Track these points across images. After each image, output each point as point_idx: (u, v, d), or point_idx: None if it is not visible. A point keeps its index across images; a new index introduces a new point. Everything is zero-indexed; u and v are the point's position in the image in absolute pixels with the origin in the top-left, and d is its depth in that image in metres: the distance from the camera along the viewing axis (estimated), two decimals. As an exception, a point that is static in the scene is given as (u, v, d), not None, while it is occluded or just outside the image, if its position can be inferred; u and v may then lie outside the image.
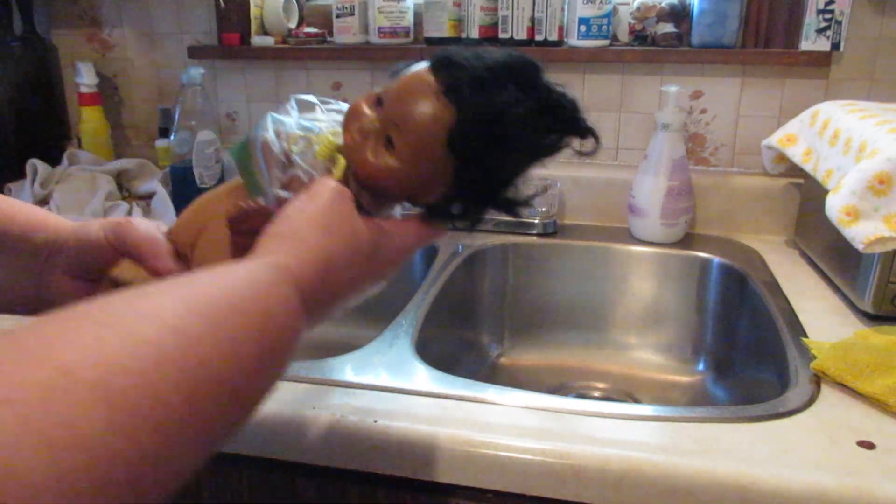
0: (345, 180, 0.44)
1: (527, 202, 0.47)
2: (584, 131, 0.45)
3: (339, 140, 0.45)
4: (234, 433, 0.31)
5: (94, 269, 0.46)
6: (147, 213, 1.09)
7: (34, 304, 0.47)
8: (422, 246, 0.48)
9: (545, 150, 0.45)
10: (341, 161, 0.44)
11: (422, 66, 0.44)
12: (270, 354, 0.33)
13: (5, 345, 0.24)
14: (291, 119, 0.46)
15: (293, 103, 0.48)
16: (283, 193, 0.43)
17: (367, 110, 0.44)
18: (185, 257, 0.46)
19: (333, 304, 0.41)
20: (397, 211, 0.49)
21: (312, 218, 0.40)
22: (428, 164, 0.43)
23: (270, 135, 0.45)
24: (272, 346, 0.33)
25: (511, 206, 0.47)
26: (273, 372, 0.34)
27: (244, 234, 0.42)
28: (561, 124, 0.44)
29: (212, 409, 0.28)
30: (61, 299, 0.46)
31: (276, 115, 0.46)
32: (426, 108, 0.42)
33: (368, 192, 0.45)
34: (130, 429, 0.24)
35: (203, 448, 0.28)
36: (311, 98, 0.49)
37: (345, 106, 0.48)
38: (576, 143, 0.46)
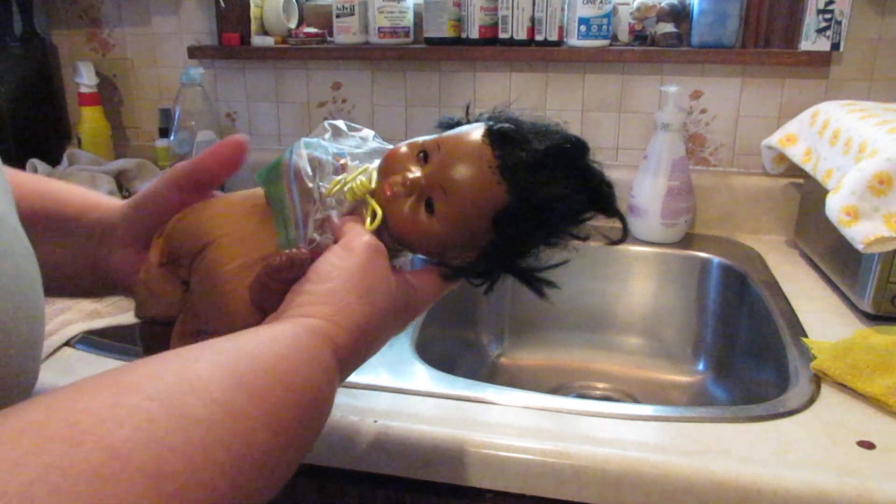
0: (376, 228, 0.43)
1: (549, 282, 0.48)
2: (616, 214, 0.46)
3: (372, 182, 0.43)
4: (275, 493, 0.31)
5: (152, 228, 0.45)
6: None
7: (89, 283, 0.47)
8: (441, 297, 0.47)
9: (576, 231, 0.47)
10: (379, 212, 0.43)
11: (477, 130, 0.43)
12: (310, 421, 0.33)
13: (52, 418, 0.23)
14: (325, 146, 0.45)
15: (327, 127, 0.46)
16: (317, 236, 0.41)
17: (410, 163, 0.43)
18: (179, 262, 0.43)
19: (363, 361, 0.41)
20: (408, 256, 0.48)
21: (351, 279, 0.39)
22: (466, 235, 0.43)
23: (305, 164, 0.42)
24: (312, 414, 0.34)
25: (532, 279, 0.48)
26: (312, 436, 0.34)
27: (276, 281, 0.40)
28: (597, 208, 0.45)
29: (255, 481, 0.28)
30: (116, 276, 0.46)
31: (309, 139, 0.44)
32: (479, 181, 0.41)
33: (394, 241, 0.44)
34: None
35: None
36: (340, 124, 0.47)
37: (369, 133, 0.46)
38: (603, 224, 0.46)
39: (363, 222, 0.43)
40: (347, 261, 0.39)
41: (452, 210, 0.42)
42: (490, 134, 0.43)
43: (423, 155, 0.43)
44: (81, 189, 0.49)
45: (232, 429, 0.27)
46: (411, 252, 0.46)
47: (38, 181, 0.49)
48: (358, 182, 0.43)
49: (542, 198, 0.42)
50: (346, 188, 0.43)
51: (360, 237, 0.41)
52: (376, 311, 0.39)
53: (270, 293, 0.40)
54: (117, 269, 0.45)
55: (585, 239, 0.47)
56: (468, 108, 0.49)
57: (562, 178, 0.43)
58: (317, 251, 0.40)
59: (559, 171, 0.43)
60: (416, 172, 0.43)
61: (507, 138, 0.42)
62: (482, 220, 0.42)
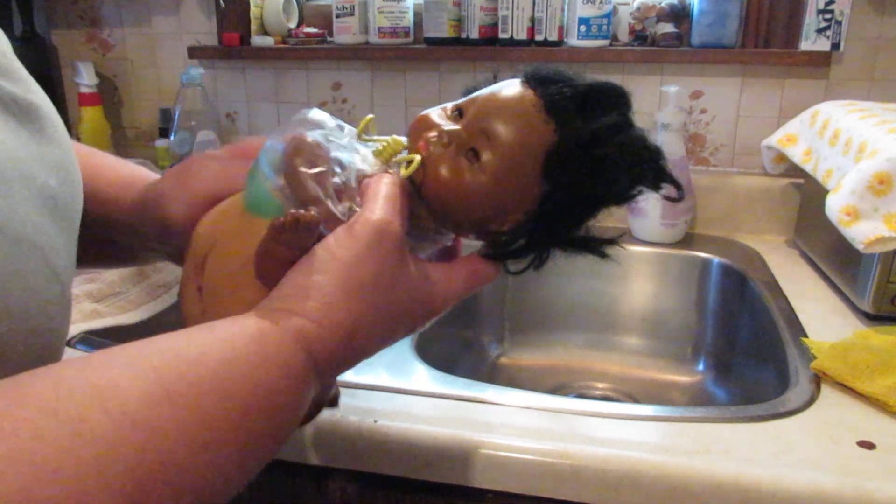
0: (405, 196, 0.38)
1: (608, 240, 0.42)
2: (667, 176, 0.41)
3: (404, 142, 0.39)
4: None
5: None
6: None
7: (129, 257, 0.46)
8: (467, 294, 0.41)
9: (630, 187, 0.40)
10: (417, 158, 0.38)
11: (513, 81, 0.40)
12: (261, 432, 0.30)
13: None
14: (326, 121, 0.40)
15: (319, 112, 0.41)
16: (330, 204, 0.36)
17: (443, 119, 0.39)
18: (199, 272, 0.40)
19: (354, 363, 0.37)
20: (445, 237, 0.43)
21: (344, 269, 0.34)
22: (516, 185, 0.38)
23: (316, 134, 0.38)
24: (264, 424, 0.30)
25: (590, 242, 0.42)
26: (268, 445, 0.31)
27: (281, 247, 0.35)
28: (651, 160, 0.40)
29: (170, 501, 0.25)
30: (155, 250, 0.45)
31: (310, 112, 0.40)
32: (525, 122, 0.38)
33: (429, 214, 0.39)
34: None
35: None
36: (323, 115, 0.41)
37: (353, 129, 0.42)
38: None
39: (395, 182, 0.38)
40: (345, 248, 0.35)
41: (501, 156, 0.37)
42: (528, 77, 0.39)
43: (457, 112, 0.40)
44: (121, 165, 0.48)
45: (141, 446, 0.24)
46: (447, 224, 0.41)
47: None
48: (388, 140, 0.39)
49: (594, 132, 0.37)
50: (372, 150, 0.39)
51: (370, 216, 0.36)
52: (370, 309, 0.35)
53: (275, 265, 0.36)
54: (158, 242, 0.44)
55: (658, 189, 0.40)
56: (496, 74, 0.43)
57: (612, 110, 0.38)
58: (332, 220, 0.36)
59: (607, 104, 0.38)
60: (453, 125, 0.39)
61: (547, 79, 0.39)
62: (532, 165, 0.38)
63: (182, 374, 0.27)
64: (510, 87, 0.40)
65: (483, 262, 0.42)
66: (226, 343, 0.30)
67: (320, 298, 0.34)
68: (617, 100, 0.39)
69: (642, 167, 0.39)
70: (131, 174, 0.48)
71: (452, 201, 0.39)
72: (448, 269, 0.41)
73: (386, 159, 0.40)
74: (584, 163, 0.38)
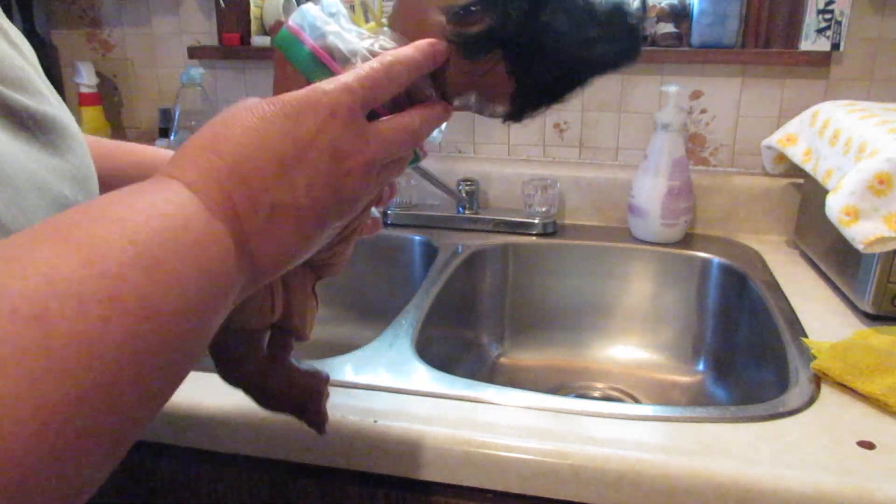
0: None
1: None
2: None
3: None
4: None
5: None
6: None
7: None
8: (413, 137, 0.37)
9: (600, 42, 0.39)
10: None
11: None
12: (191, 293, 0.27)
13: None
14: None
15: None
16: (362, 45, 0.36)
17: None
18: None
19: (281, 198, 0.31)
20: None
21: (232, 118, 0.32)
22: None
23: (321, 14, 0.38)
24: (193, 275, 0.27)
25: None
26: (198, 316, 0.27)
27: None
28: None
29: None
30: None
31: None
32: None
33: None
34: None
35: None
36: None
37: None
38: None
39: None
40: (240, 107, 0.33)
41: None
42: None
43: None
44: (143, 150, 0.50)
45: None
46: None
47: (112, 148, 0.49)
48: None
49: None
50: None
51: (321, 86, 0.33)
52: (253, 132, 0.31)
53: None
54: None
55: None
56: None
57: None
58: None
59: None
60: None
61: None
62: None
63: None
64: None
65: (434, 102, 0.39)
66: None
67: (199, 138, 0.32)
68: None
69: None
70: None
71: None
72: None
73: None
74: None
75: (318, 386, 0.47)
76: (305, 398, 0.47)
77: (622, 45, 0.40)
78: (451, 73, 0.39)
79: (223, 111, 0.33)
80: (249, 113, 0.32)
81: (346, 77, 0.34)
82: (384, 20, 0.41)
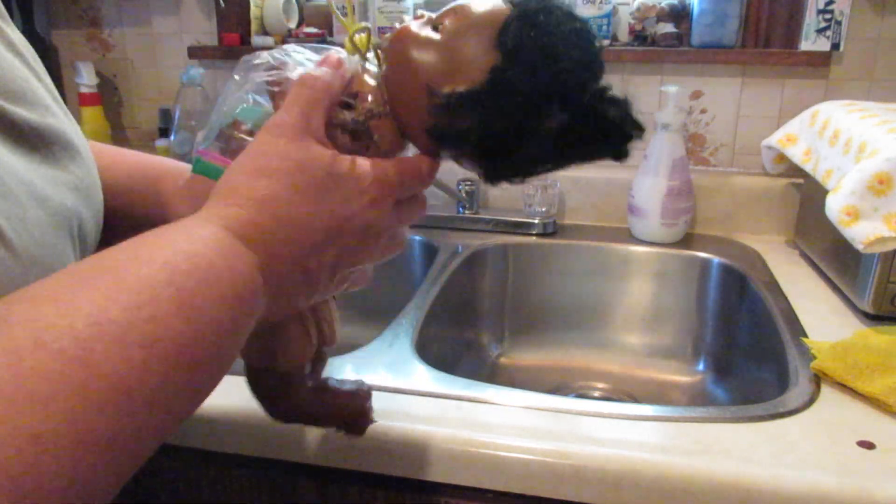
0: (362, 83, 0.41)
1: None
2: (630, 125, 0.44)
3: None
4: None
5: None
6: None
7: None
8: (402, 187, 0.41)
9: (576, 80, 0.43)
10: (367, 25, 0.43)
11: None
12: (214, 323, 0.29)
13: None
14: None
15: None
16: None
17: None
18: None
19: (298, 246, 0.35)
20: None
21: (243, 165, 0.35)
22: (467, 45, 0.39)
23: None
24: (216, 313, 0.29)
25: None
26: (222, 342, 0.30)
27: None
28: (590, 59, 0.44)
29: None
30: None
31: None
32: (486, 5, 0.40)
33: (378, 90, 0.41)
34: None
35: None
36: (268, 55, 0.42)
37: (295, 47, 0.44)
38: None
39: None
40: (245, 154, 0.36)
41: (455, 21, 0.40)
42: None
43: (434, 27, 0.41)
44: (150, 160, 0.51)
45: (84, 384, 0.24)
46: (398, 97, 0.41)
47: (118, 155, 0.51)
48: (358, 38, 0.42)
49: (545, 18, 0.39)
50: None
51: (262, 130, 0.37)
52: (280, 183, 0.35)
53: None
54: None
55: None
56: None
57: (572, 25, 0.41)
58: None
59: (568, 22, 0.41)
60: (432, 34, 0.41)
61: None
62: (486, 30, 0.39)
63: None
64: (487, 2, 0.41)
65: (420, 156, 0.42)
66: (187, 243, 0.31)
67: (228, 184, 0.35)
68: (582, 31, 0.42)
69: (589, 60, 0.43)
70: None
71: (405, 52, 0.40)
72: (378, 158, 0.40)
73: (352, 50, 0.42)
74: (533, 35, 0.39)
75: (363, 407, 0.50)
76: (355, 418, 0.50)
77: (601, 157, 0.45)
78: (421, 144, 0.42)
79: (263, 146, 0.36)
80: (302, 176, 0.35)
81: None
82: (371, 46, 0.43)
